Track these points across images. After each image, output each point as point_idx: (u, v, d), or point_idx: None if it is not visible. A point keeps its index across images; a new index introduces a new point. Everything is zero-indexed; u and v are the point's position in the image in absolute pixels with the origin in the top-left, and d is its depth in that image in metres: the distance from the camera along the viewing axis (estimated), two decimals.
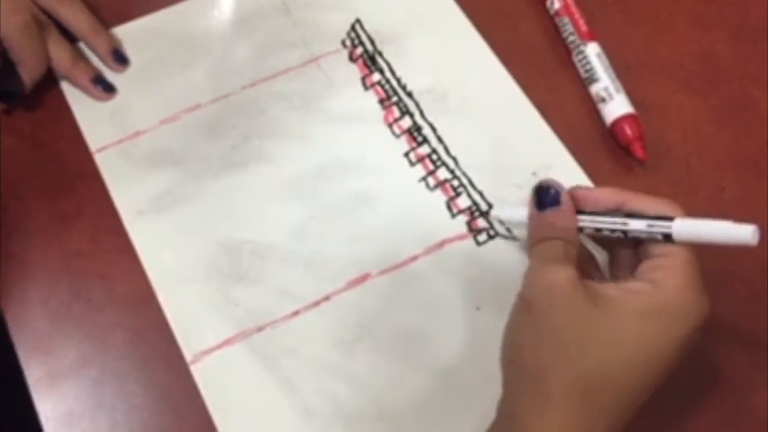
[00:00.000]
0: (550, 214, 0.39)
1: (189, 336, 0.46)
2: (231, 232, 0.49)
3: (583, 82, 0.56)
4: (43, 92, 0.53)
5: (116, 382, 0.45)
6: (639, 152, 0.53)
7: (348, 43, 0.56)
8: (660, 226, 0.38)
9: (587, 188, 0.40)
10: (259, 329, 0.46)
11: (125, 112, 0.52)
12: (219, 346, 0.45)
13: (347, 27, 0.57)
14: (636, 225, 0.38)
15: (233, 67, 0.54)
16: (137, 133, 0.52)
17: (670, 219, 0.38)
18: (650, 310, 0.36)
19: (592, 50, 0.56)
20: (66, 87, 0.53)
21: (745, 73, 0.57)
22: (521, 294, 0.38)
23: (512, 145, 0.53)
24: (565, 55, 0.57)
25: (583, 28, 0.57)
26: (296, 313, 0.47)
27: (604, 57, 0.56)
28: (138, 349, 0.46)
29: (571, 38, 0.57)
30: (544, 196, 0.39)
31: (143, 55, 0.54)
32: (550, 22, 0.59)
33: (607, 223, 0.39)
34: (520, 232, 0.48)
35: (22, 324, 0.46)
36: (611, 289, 0.37)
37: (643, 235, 0.38)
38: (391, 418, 0.44)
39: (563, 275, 0.36)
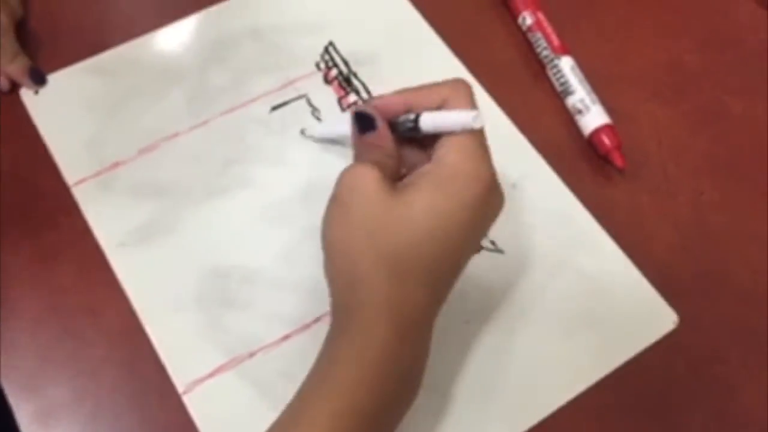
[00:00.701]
0: (369, 136, 0.43)
1: (180, 366, 0.45)
2: (217, 259, 0.49)
3: (558, 95, 0.57)
4: (20, 129, 0.53)
5: (111, 417, 0.45)
6: (618, 161, 0.54)
7: (322, 65, 0.56)
8: (411, 121, 0.42)
9: (381, 98, 0.44)
10: (251, 355, 0.46)
11: (102, 144, 0.52)
12: (211, 375, 0.45)
13: (320, 50, 0.57)
14: (402, 119, 0.43)
15: (210, 93, 0.54)
16: (116, 165, 0.51)
17: (419, 114, 0.42)
18: (436, 183, 0.40)
19: (566, 63, 0.57)
20: (40, 122, 0.53)
21: (715, 80, 0.59)
22: (331, 194, 0.41)
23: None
24: (539, 69, 0.58)
25: (556, 42, 0.58)
26: (287, 336, 0.47)
27: (578, 70, 0.57)
28: (131, 383, 0.46)
29: (545, 53, 0.58)
30: (363, 121, 0.43)
31: (117, 86, 0.54)
32: (522, 38, 0.60)
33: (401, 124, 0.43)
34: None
35: (11, 364, 0.46)
36: (408, 179, 0.41)
37: (409, 131, 0.43)
38: None
39: (365, 170, 0.40)
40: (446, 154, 0.40)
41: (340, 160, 0.53)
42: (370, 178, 0.40)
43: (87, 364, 0.46)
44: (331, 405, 0.37)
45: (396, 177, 0.42)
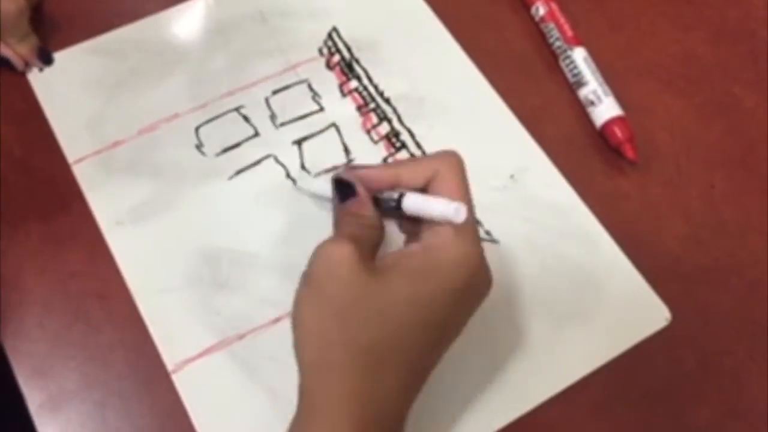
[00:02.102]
0: (349, 204, 0.41)
1: (170, 345, 0.45)
2: (211, 240, 0.48)
3: (570, 86, 0.56)
4: (31, 117, 0.52)
5: (120, 403, 0.44)
6: (630, 153, 0.53)
7: (325, 51, 0.56)
8: (394, 200, 0.40)
9: (366, 169, 0.42)
10: (240, 337, 0.45)
11: (103, 123, 0.52)
12: (200, 355, 0.45)
13: (324, 35, 0.56)
14: (384, 196, 0.41)
15: (211, 76, 0.54)
16: (115, 144, 0.51)
17: (403, 194, 0.40)
18: (418, 270, 0.37)
19: (579, 55, 0.56)
20: (44, 101, 0.52)
21: (727, 72, 0.58)
22: (305, 271, 0.38)
23: (489, 148, 0.53)
24: (551, 60, 0.57)
25: (569, 33, 0.57)
26: (277, 319, 0.46)
27: (590, 61, 0.56)
28: (140, 368, 0.45)
29: (558, 44, 0.57)
30: (343, 189, 0.41)
31: (120, 66, 0.54)
32: (535, 28, 0.59)
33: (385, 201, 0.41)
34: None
35: (20, 349, 0.45)
36: (388, 258, 0.39)
37: (392, 209, 0.41)
38: None
39: (343, 250, 0.37)
40: (434, 238, 0.38)
41: (336, 146, 0.52)
42: (347, 258, 0.37)
43: (96, 350, 0.45)
44: None
45: (377, 248, 0.40)
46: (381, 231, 0.41)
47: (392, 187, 0.41)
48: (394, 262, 0.38)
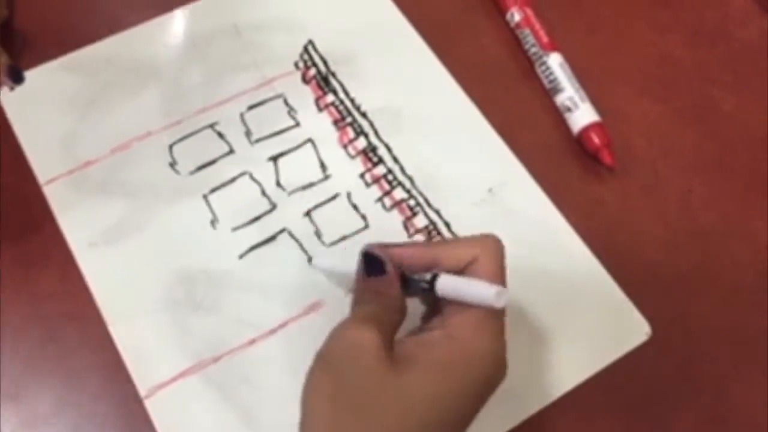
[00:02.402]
0: (374, 281, 0.39)
1: (143, 370, 0.44)
2: (185, 261, 0.48)
3: (547, 92, 0.56)
4: (1, 136, 0.51)
5: (94, 427, 0.44)
6: (607, 159, 0.53)
7: (301, 65, 0.55)
8: (427, 282, 0.38)
9: (401, 248, 0.40)
10: (216, 359, 0.45)
11: (75, 142, 0.51)
12: (174, 379, 0.44)
13: (300, 49, 0.56)
14: (417, 277, 0.39)
15: (185, 92, 0.53)
16: (88, 163, 0.50)
17: (436, 276, 0.38)
18: (442, 364, 0.35)
19: (555, 60, 0.56)
20: (14, 120, 0.52)
21: (705, 75, 0.58)
22: (321, 351, 0.37)
23: (467, 162, 0.52)
24: (527, 66, 0.57)
25: (545, 39, 0.57)
26: (253, 341, 0.45)
27: (566, 66, 0.56)
28: (115, 391, 0.44)
29: (533, 50, 0.57)
30: (372, 264, 0.39)
31: (92, 83, 0.53)
32: (510, 34, 0.58)
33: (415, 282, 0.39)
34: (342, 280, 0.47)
35: None
36: (410, 345, 0.37)
37: (423, 291, 0.39)
38: None
39: (365, 336, 0.35)
40: (462, 329, 0.36)
41: (312, 161, 0.51)
42: (369, 345, 0.35)
43: (70, 373, 0.45)
44: None
45: (396, 331, 0.38)
46: (402, 315, 0.38)
47: (427, 270, 0.39)
48: (416, 352, 0.36)
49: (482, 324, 0.36)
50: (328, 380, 0.35)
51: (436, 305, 0.40)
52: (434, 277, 0.38)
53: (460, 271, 0.38)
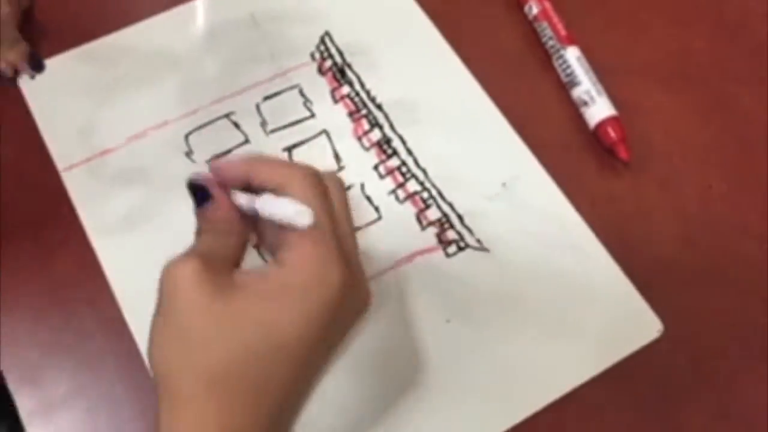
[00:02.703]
0: (203, 210, 0.37)
1: None
2: None
3: (564, 86, 0.56)
4: (22, 123, 0.52)
5: (111, 409, 0.44)
6: (623, 154, 0.53)
7: (317, 56, 0.56)
8: (251, 200, 0.37)
9: (224, 164, 0.38)
10: None
11: (93, 130, 0.52)
12: None
13: (316, 40, 0.56)
14: (242, 200, 0.37)
15: (201, 82, 0.54)
16: (105, 151, 0.51)
17: (258, 195, 0.37)
18: (270, 291, 0.34)
19: (572, 54, 0.56)
20: (35, 108, 0.52)
21: (724, 69, 0.57)
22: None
23: (481, 155, 0.52)
24: (545, 59, 0.57)
25: (562, 32, 0.56)
26: None
27: (584, 60, 0.55)
28: (131, 375, 0.45)
29: (551, 43, 0.57)
30: (197, 193, 0.38)
31: (110, 73, 0.54)
32: (528, 27, 0.58)
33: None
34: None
35: (11, 356, 0.46)
36: (244, 276, 0.35)
37: (249, 211, 0.37)
38: None
39: (185, 268, 0.34)
40: (286, 254, 0.35)
41: (327, 152, 0.52)
42: (189, 278, 0.34)
43: (87, 357, 0.46)
44: None
45: (242, 253, 0.37)
46: (243, 236, 0.37)
47: (243, 186, 0.37)
48: (248, 281, 0.35)
49: (310, 250, 0.35)
50: (158, 319, 0.35)
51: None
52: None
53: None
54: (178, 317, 0.34)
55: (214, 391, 0.33)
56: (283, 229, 0.35)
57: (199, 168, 0.50)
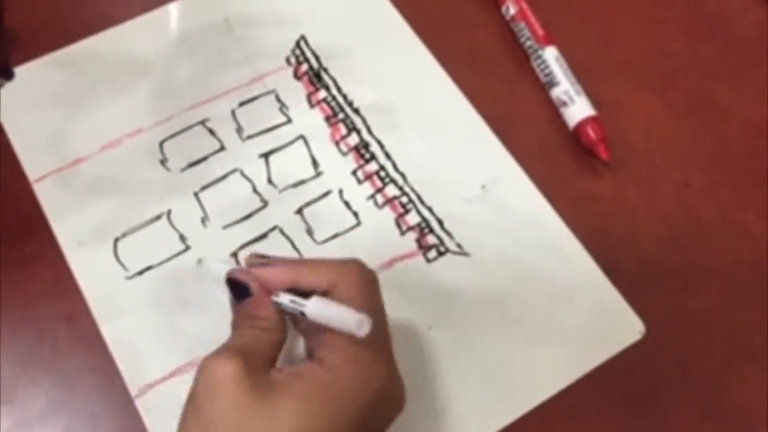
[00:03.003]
0: (245, 305, 0.38)
1: (134, 369, 0.44)
2: (176, 259, 0.48)
3: (543, 86, 0.56)
4: None
5: (89, 426, 0.44)
6: (603, 154, 0.53)
7: (293, 60, 0.55)
8: (299, 304, 0.37)
9: (263, 268, 0.39)
10: None
11: (64, 139, 0.51)
12: (165, 378, 0.44)
13: (291, 44, 0.56)
14: (284, 299, 0.38)
15: (176, 88, 0.54)
16: (78, 161, 0.51)
17: (308, 297, 0.37)
18: (309, 393, 0.34)
19: (551, 54, 0.56)
20: (4, 117, 0.52)
21: (703, 67, 0.58)
22: (192, 385, 0.36)
23: (460, 158, 0.52)
24: (523, 60, 0.57)
25: (540, 32, 0.57)
26: None
27: (562, 60, 0.56)
28: (109, 392, 0.45)
29: (529, 43, 0.57)
30: (237, 289, 0.38)
31: (82, 80, 0.53)
32: (506, 28, 0.58)
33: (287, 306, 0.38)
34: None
35: None
36: (284, 375, 0.35)
37: (294, 312, 0.38)
38: None
39: (225, 368, 0.34)
40: (328, 354, 0.35)
41: (304, 158, 0.52)
42: (228, 379, 0.34)
43: (63, 374, 0.45)
44: None
45: (278, 350, 0.37)
46: (282, 333, 0.37)
47: (290, 287, 0.38)
48: (287, 381, 0.35)
49: (353, 351, 0.35)
50: (193, 419, 0.35)
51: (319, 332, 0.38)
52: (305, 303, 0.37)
53: (324, 294, 0.37)
54: (215, 414, 0.34)
55: None
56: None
57: (174, 176, 0.50)
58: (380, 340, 0.37)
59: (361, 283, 0.37)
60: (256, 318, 0.37)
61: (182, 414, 0.35)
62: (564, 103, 0.54)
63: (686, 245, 0.51)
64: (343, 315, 0.35)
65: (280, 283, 0.38)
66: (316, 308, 0.36)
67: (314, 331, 0.37)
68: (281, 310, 0.38)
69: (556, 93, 0.54)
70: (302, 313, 0.37)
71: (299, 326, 0.40)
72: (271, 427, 0.33)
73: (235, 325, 0.38)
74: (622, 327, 0.47)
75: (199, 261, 0.48)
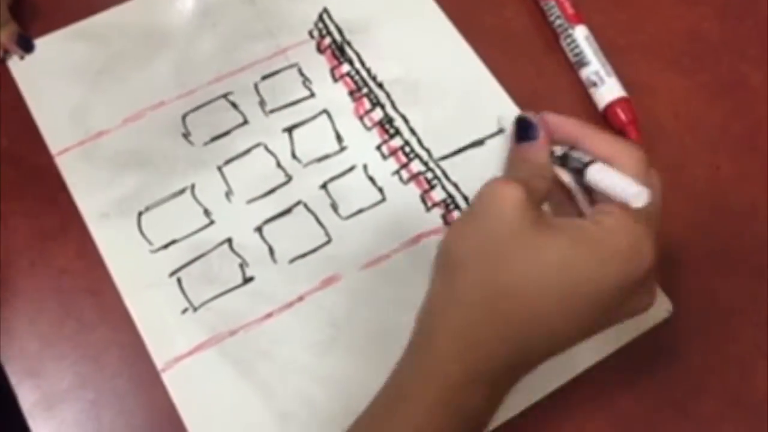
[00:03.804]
0: (524, 147, 0.40)
1: (160, 343, 0.46)
2: (200, 233, 0.49)
3: (572, 66, 0.57)
4: (15, 107, 0.53)
5: (115, 401, 0.45)
6: (633, 135, 0.54)
7: (315, 33, 0.57)
8: (581, 162, 0.39)
9: (556, 117, 0.41)
10: (232, 333, 0.47)
11: (86, 112, 0.53)
12: (191, 352, 0.46)
13: (314, 17, 0.57)
14: (570, 152, 0.40)
15: (198, 61, 0.55)
16: (100, 134, 0.52)
17: (594, 160, 0.38)
18: (582, 241, 0.36)
19: (581, 33, 0.57)
20: (26, 90, 0.53)
21: (734, 49, 0.58)
22: (471, 200, 0.39)
23: (486, 135, 0.53)
24: (552, 39, 0.58)
25: (570, 11, 0.57)
26: (270, 315, 0.47)
27: (592, 40, 0.57)
28: (134, 366, 0.46)
29: (558, 22, 0.58)
30: (523, 130, 0.40)
31: (104, 52, 0.55)
32: (535, 6, 0.59)
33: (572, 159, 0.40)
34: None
35: (12, 348, 0.47)
36: (554, 219, 0.39)
37: (575, 166, 0.40)
38: None
39: (509, 190, 0.37)
40: (603, 218, 0.37)
41: (328, 132, 0.53)
42: (510, 200, 0.36)
43: (89, 348, 0.47)
44: None
45: (542, 200, 0.39)
46: (550, 185, 0.40)
47: (570, 145, 0.40)
48: (559, 224, 0.38)
49: (630, 224, 0.37)
50: (468, 226, 0.38)
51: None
52: (589, 162, 0.38)
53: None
54: (487, 226, 0.37)
55: (493, 302, 0.36)
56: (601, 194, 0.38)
57: (197, 150, 0.51)
58: (652, 230, 0.38)
59: (643, 169, 0.38)
60: (532, 163, 0.40)
61: (455, 227, 0.39)
62: (594, 84, 0.55)
63: (715, 228, 0.51)
64: (624, 183, 0.36)
65: (565, 135, 0.40)
66: (601, 169, 0.38)
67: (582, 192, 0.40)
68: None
69: (586, 73, 0.55)
70: (581, 171, 0.38)
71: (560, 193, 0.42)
72: (538, 258, 0.36)
73: (511, 166, 0.41)
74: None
75: (326, 234, 0.49)
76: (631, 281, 0.36)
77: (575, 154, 0.39)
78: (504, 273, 0.36)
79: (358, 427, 0.38)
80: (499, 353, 0.36)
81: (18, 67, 0.54)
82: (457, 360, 0.36)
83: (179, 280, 0.48)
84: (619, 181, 0.37)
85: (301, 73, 0.55)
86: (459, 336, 0.36)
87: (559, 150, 0.40)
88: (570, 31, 0.56)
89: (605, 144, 0.39)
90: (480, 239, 0.37)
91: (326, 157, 0.52)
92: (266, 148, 0.52)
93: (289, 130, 0.53)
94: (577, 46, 0.56)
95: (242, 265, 0.48)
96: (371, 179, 0.52)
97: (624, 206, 0.36)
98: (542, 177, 0.39)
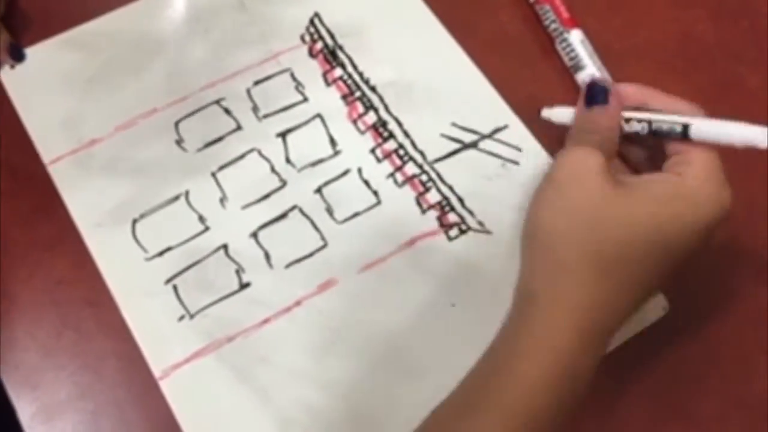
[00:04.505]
0: (596, 111, 0.43)
1: (157, 351, 0.47)
2: (195, 240, 0.51)
3: (567, 70, 0.58)
4: (8, 116, 0.54)
5: (114, 412, 0.46)
6: None
7: (307, 38, 0.58)
8: (680, 125, 0.42)
9: (623, 86, 0.44)
10: (230, 339, 0.48)
11: (78, 121, 0.54)
12: (188, 360, 0.47)
13: (306, 22, 0.59)
14: (664, 118, 0.43)
15: (190, 67, 0.56)
16: (92, 142, 0.53)
17: (690, 119, 0.42)
18: (667, 196, 0.40)
19: (576, 37, 0.58)
20: (17, 99, 0.54)
21: (729, 51, 0.60)
22: (548, 172, 0.42)
23: (481, 138, 0.55)
24: (547, 43, 0.59)
25: (565, 15, 0.59)
26: (267, 320, 0.48)
27: (587, 43, 0.58)
28: (133, 376, 0.47)
29: (553, 26, 0.59)
30: (595, 94, 0.43)
31: (95, 60, 0.56)
32: (530, 10, 0.61)
33: (635, 119, 0.43)
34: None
35: (10, 359, 0.47)
36: (628, 178, 0.42)
37: (666, 129, 0.43)
38: (369, 424, 0.46)
39: (591, 158, 0.40)
40: (684, 168, 0.41)
41: (322, 137, 0.54)
42: (593, 165, 0.40)
43: (87, 359, 0.48)
44: (505, 403, 0.38)
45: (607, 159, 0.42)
46: (616, 147, 0.43)
47: (636, 108, 0.43)
48: (639, 182, 0.41)
49: (707, 169, 0.41)
50: (554, 195, 0.41)
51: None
52: (687, 124, 0.41)
53: None
54: (578, 195, 0.40)
55: (599, 268, 0.39)
56: (675, 144, 0.42)
57: (191, 156, 0.53)
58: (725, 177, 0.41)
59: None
60: (602, 129, 0.42)
61: (536, 197, 0.41)
62: None
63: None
64: (742, 127, 0.40)
65: (635, 98, 0.43)
66: (707, 122, 0.41)
67: (640, 152, 0.44)
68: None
69: (582, 77, 0.57)
70: (684, 126, 0.41)
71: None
72: (629, 219, 0.39)
73: (578, 131, 0.43)
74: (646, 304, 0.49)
75: (322, 238, 0.51)
76: (720, 220, 0.40)
77: (658, 116, 0.42)
78: (605, 238, 0.39)
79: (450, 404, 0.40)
80: (609, 316, 0.39)
81: (9, 76, 0.55)
82: (573, 328, 0.38)
83: (175, 288, 0.49)
84: (735, 127, 0.40)
85: (294, 78, 0.56)
86: (575, 305, 0.39)
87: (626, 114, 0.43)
88: (565, 35, 0.58)
89: (674, 102, 0.43)
90: (573, 208, 0.40)
91: (320, 161, 0.53)
92: (260, 154, 0.53)
93: (283, 135, 0.54)
94: (572, 50, 0.57)
95: (238, 271, 0.49)
96: (366, 183, 0.53)
97: (699, 154, 0.40)
98: (612, 141, 0.42)
